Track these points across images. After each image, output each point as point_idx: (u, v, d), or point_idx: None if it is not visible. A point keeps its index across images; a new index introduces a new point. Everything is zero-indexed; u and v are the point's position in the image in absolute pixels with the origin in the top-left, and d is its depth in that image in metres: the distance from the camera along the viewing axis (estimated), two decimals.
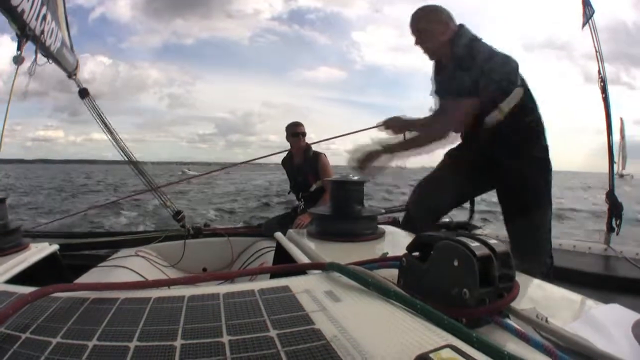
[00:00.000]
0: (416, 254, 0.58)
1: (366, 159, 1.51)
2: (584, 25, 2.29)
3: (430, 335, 0.39)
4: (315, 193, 2.55)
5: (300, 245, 1.00)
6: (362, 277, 0.54)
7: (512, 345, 0.44)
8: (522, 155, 1.43)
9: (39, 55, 1.72)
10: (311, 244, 1.00)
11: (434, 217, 1.73)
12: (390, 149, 1.52)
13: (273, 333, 0.41)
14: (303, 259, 0.88)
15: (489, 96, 1.40)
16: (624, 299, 0.68)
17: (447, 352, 0.34)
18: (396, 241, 1.03)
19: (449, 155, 1.65)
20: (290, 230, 1.18)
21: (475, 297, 0.46)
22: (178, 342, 0.39)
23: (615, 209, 2.28)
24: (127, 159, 2.33)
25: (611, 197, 2.29)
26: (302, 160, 2.63)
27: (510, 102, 1.40)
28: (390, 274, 0.61)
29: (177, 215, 2.38)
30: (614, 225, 2.29)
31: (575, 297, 0.68)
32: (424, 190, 1.66)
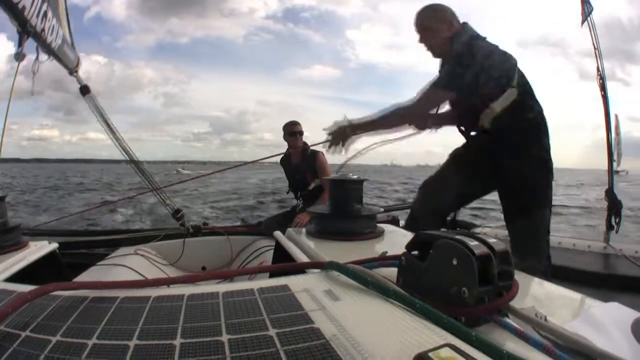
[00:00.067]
0: (415, 252, 0.58)
1: (338, 136, 1.58)
2: (583, 22, 2.29)
3: (430, 334, 0.39)
4: (313, 192, 2.56)
5: (300, 244, 1.00)
6: (361, 276, 0.54)
7: (511, 344, 0.44)
8: (522, 155, 1.43)
9: (40, 53, 1.72)
10: (310, 243, 1.00)
11: (439, 218, 1.74)
12: (357, 127, 1.58)
13: (272, 332, 0.41)
14: (302, 257, 0.88)
15: (487, 93, 1.41)
16: (623, 297, 0.68)
17: (446, 351, 0.34)
18: (395, 240, 1.03)
19: (453, 155, 1.66)
20: (290, 229, 1.18)
21: (475, 296, 0.46)
22: (177, 341, 0.39)
23: (614, 206, 2.29)
24: (128, 159, 2.32)
25: (610, 194, 2.29)
26: (299, 159, 2.63)
27: (504, 102, 1.41)
28: (389, 273, 0.61)
29: (177, 213, 2.38)
30: (613, 223, 2.29)
31: (574, 295, 0.68)
32: (429, 191, 1.67)
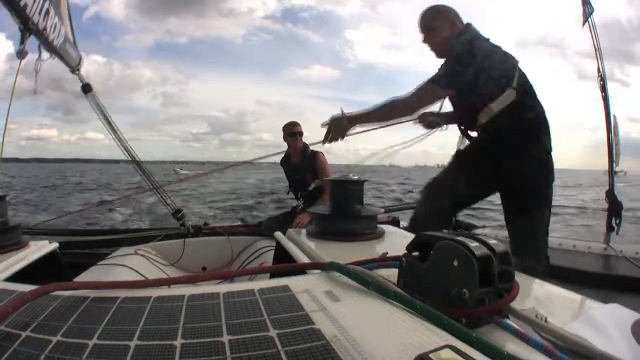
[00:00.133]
0: (416, 253, 0.58)
1: (335, 128, 1.59)
2: (584, 23, 2.29)
3: (430, 335, 0.39)
4: (313, 192, 2.55)
5: (300, 244, 1.00)
6: (361, 277, 0.54)
7: (512, 345, 0.44)
8: (522, 155, 1.43)
9: (42, 51, 1.71)
10: (311, 244, 1.00)
11: (444, 219, 1.74)
12: (353, 119, 1.58)
13: (273, 333, 0.41)
14: (303, 258, 0.88)
15: (487, 92, 1.41)
16: (623, 299, 0.68)
17: (446, 352, 0.34)
18: (396, 241, 1.03)
19: (456, 156, 1.67)
20: (290, 230, 1.18)
21: (475, 297, 0.46)
22: (178, 342, 0.39)
23: (615, 207, 2.28)
24: (129, 158, 2.32)
25: (611, 196, 2.29)
26: (299, 160, 2.63)
27: (502, 103, 1.41)
28: (390, 274, 0.61)
29: (177, 213, 2.37)
30: (613, 224, 2.29)
31: (574, 296, 0.68)
32: (433, 192, 1.67)
